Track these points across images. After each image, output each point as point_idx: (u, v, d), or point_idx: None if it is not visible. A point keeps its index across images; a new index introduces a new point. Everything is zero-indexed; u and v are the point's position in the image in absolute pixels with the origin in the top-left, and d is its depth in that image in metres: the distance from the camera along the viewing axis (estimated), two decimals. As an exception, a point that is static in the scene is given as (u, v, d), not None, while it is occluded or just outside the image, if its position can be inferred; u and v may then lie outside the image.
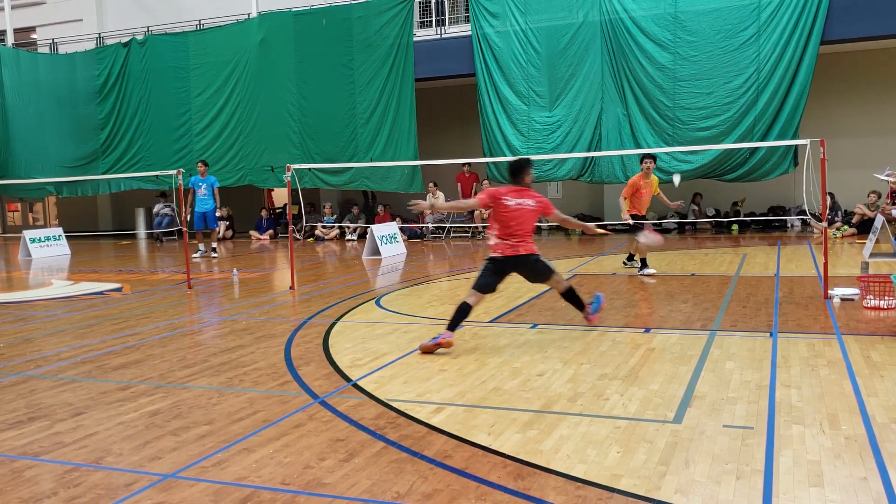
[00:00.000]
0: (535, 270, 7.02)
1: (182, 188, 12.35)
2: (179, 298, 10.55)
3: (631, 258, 11.97)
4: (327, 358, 6.59)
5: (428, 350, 6.60)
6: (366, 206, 21.43)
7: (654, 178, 11.58)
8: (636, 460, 4.03)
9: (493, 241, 6.94)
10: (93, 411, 5.25)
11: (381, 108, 19.17)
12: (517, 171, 6.97)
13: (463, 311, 6.73)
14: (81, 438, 4.70)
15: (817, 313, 7.81)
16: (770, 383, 5.34)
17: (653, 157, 11.73)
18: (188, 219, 15.87)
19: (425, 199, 19.61)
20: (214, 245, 16.42)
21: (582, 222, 7.78)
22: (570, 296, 7.32)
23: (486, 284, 6.84)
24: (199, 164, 16.22)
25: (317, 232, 19.92)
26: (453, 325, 6.69)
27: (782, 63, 16.14)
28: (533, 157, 17.61)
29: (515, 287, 10.24)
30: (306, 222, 19.38)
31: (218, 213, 15.89)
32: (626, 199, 11.46)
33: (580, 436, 4.43)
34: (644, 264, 11.18)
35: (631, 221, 11.16)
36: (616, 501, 3.57)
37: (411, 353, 6.66)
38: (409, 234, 18.91)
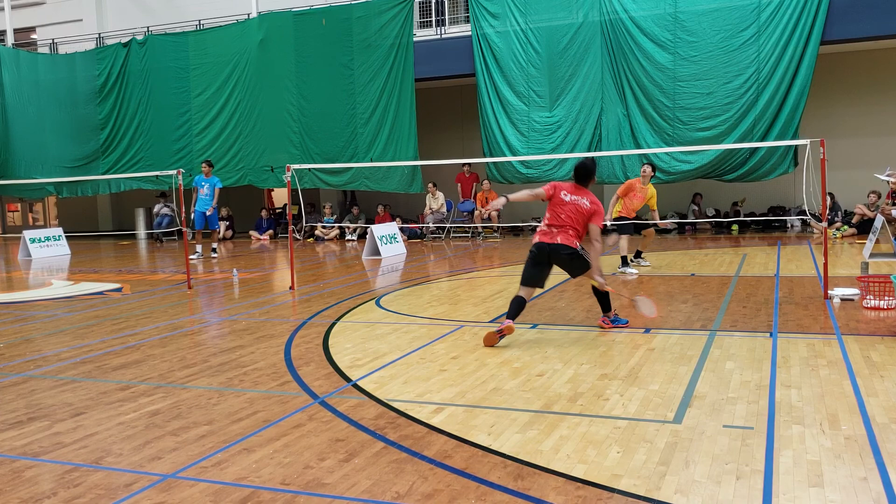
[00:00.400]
0: (571, 266, 7.09)
1: (182, 188, 12.35)
2: (179, 298, 10.55)
3: (639, 254, 12.09)
4: (327, 358, 6.59)
5: (491, 342, 6.73)
6: (343, 205, 21.51)
7: (653, 190, 11.67)
8: (636, 460, 4.03)
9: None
10: (93, 411, 5.25)
11: (381, 108, 19.17)
12: (584, 175, 7.16)
13: (516, 303, 6.97)
14: (81, 438, 4.70)
15: (817, 313, 7.81)
16: (770, 383, 5.34)
17: (653, 164, 11.84)
18: (191, 217, 15.83)
19: (425, 200, 19.64)
20: (215, 245, 16.40)
21: (595, 264, 7.18)
22: (602, 293, 7.36)
23: (528, 276, 7.08)
24: (204, 165, 16.15)
25: (317, 232, 19.92)
26: (510, 314, 6.91)
27: (782, 63, 16.14)
28: (533, 158, 17.85)
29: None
30: (306, 222, 19.38)
31: (209, 213, 15.76)
32: (619, 198, 11.52)
33: (580, 436, 4.43)
34: (625, 262, 11.37)
35: (608, 223, 11.35)
36: (616, 501, 3.57)
37: (411, 353, 6.66)
38: (409, 234, 18.91)
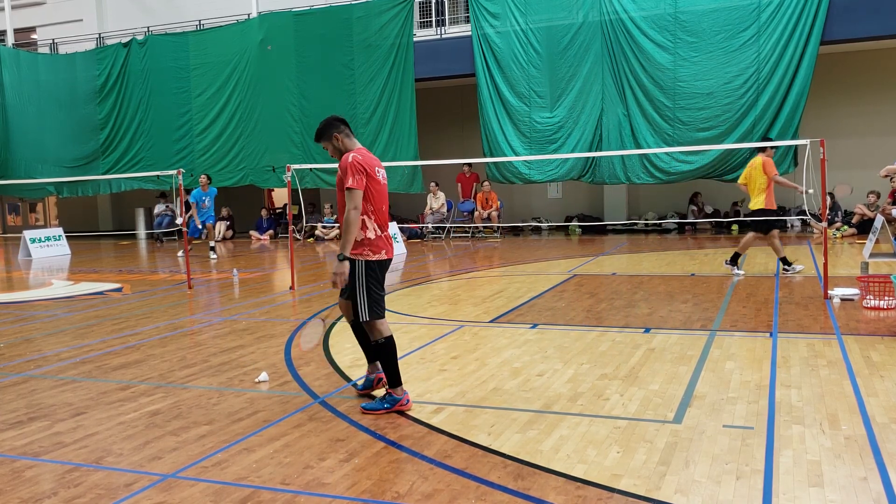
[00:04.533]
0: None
1: (182, 188, 12.34)
2: (179, 298, 10.55)
3: (779, 262, 10.88)
4: (327, 358, 6.59)
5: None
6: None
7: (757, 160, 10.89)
8: (636, 460, 4.03)
9: (370, 234, 4.98)
10: (93, 411, 5.25)
11: (381, 108, 19.18)
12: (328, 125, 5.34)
13: (384, 352, 4.99)
14: (81, 438, 4.70)
15: (817, 313, 7.80)
16: (770, 383, 5.34)
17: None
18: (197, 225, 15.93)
19: (426, 200, 19.64)
20: (212, 244, 16.43)
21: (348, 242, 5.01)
22: (366, 337, 5.27)
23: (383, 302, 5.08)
24: (203, 177, 16.31)
25: (317, 232, 19.93)
26: (392, 378, 5.01)
27: (782, 63, 16.14)
28: (533, 158, 17.84)
29: (515, 287, 10.24)
30: (306, 222, 19.38)
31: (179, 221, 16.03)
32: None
33: (580, 436, 4.43)
34: (787, 263, 10.44)
35: (802, 188, 9.96)
36: (616, 501, 3.57)
37: (411, 352, 6.66)
38: (409, 234, 18.91)
